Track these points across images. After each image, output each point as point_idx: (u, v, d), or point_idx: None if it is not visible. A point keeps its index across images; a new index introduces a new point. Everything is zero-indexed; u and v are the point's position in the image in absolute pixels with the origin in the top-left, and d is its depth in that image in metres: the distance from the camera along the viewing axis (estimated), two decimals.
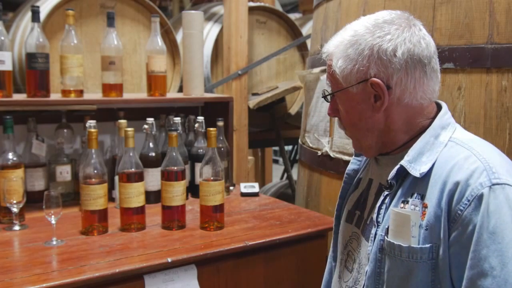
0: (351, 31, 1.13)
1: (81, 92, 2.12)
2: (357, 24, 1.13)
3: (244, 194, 2.35)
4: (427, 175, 1.07)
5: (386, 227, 1.10)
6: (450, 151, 1.07)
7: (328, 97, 1.21)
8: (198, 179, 2.05)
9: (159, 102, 2.42)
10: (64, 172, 2.19)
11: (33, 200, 2.04)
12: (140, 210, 1.82)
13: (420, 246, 1.03)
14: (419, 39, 1.10)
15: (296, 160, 3.69)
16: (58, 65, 2.10)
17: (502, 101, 1.45)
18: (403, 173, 1.11)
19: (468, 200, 0.98)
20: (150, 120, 2.11)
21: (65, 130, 2.27)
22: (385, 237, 1.09)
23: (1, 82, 1.93)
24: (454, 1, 1.52)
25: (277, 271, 1.79)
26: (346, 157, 1.94)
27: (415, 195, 1.07)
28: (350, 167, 1.37)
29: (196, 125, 2.28)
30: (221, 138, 2.27)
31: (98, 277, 1.43)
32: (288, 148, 5.12)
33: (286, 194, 3.85)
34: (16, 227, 1.82)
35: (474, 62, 1.48)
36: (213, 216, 1.84)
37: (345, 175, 1.38)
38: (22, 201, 1.79)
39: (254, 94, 3.30)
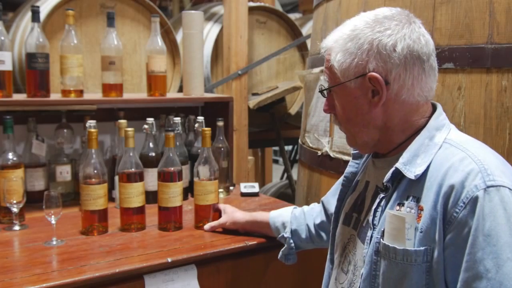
0: (351, 26, 1.12)
1: (81, 92, 2.12)
2: (357, 19, 1.13)
3: (244, 194, 2.35)
4: (422, 177, 1.06)
5: (382, 229, 1.09)
6: (445, 152, 1.07)
7: (325, 92, 1.20)
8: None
9: (159, 102, 2.42)
10: (64, 172, 2.19)
11: (33, 200, 2.04)
12: (140, 210, 1.82)
13: (415, 248, 1.03)
14: (418, 35, 1.09)
15: (296, 160, 3.69)
16: (58, 65, 2.10)
17: (502, 101, 1.45)
18: (398, 175, 1.10)
19: (464, 203, 0.97)
20: (150, 120, 2.11)
21: (65, 130, 2.27)
22: (381, 239, 1.09)
23: (1, 82, 1.93)
24: (454, 1, 1.51)
25: (277, 271, 1.79)
26: (346, 157, 1.94)
27: (411, 197, 1.07)
28: (348, 170, 1.37)
29: (196, 125, 2.28)
30: (221, 138, 2.27)
31: (98, 277, 1.42)
32: (288, 148, 5.12)
33: (286, 194, 3.86)
34: (16, 227, 1.82)
35: (474, 62, 1.48)
36: (207, 216, 1.85)
37: (343, 178, 1.37)
38: (22, 201, 1.79)
39: (254, 94, 3.30)
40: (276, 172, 5.60)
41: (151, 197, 2.09)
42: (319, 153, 2.11)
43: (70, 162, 2.22)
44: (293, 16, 5.07)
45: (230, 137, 2.48)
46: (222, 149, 2.27)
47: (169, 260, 1.54)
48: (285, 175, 4.18)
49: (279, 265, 1.77)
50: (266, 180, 4.67)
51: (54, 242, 1.66)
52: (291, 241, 1.61)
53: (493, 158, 1.04)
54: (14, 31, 2.55)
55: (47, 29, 2.32)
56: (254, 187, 2.38)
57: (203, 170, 1.85)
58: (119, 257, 1.55)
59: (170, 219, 1.83)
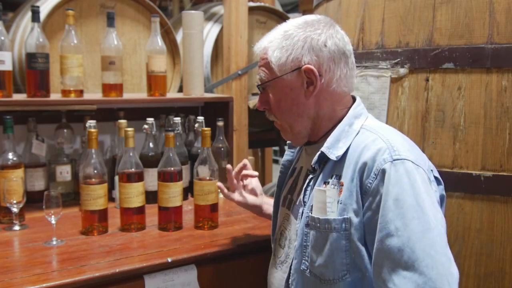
0: (284, 28, 1.29)
1: (81, 92, 2.12)
2: (288, 24, 1.30)
3: None
4: (343, 158, 1.22)
5: (311, 205, 1.25)
6: (361, 136, 1.24)
7: (260, 88, 1.33)
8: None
9: (159, 102, 2.42)
10: (64, 172, 2.19)
11: (33, 200, 2.04)
12: (140, 210, 1.82)
13: (333, 217, 1.18)
14: (342, 36, 1.29)
15: None
16: (58, 65, 2.10)
17: (502, 101, 1.44)
18: (323, 158, 1.26)
19: (375, 174, 1.14)
20: (150, 120, 2.11)
21: (65, 130, 2.27)
22: (310, 213, 1.24)
23: (1, 82, 1.93)
24: (454, 1, 1.51)
25: None
26: None
27: (334, 176, 1.23)
28: (285, 158, 1.53)
29: (196, 125, 2.28)
30: (221, 138, 2.27)
31: (98, 277, 1.43)
32: None
33: None
34: (16, 227, 1.82)
35: (474, 62, 1.48)
36: (207, 216, 1.85)
37: (280, 166, 1.54)
38: (22, 201, 1.79)
39: (254, 94, 3.30)
40: (276, 172, 5.59)
41: (151, 197, 2.09)
42: None
43: (70, 162, 2.22)
44: (293, 16, 5.06)
45: (230, 137, 2.48)
46: (222, 149, 2.27)
47: (169, 260, 1.55)
48: None
49: None
50: (266, 180, 4.67)
51: (54, 242, 1.66)
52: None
53: (400, 138, 1.21)
54: (14, 31, 2.55)
55: (47, 29, 2.32)
56: None
57: (203, 170, 1.85)
58: (119, 257, 1.55)
59: (170, 219, 1.83)
